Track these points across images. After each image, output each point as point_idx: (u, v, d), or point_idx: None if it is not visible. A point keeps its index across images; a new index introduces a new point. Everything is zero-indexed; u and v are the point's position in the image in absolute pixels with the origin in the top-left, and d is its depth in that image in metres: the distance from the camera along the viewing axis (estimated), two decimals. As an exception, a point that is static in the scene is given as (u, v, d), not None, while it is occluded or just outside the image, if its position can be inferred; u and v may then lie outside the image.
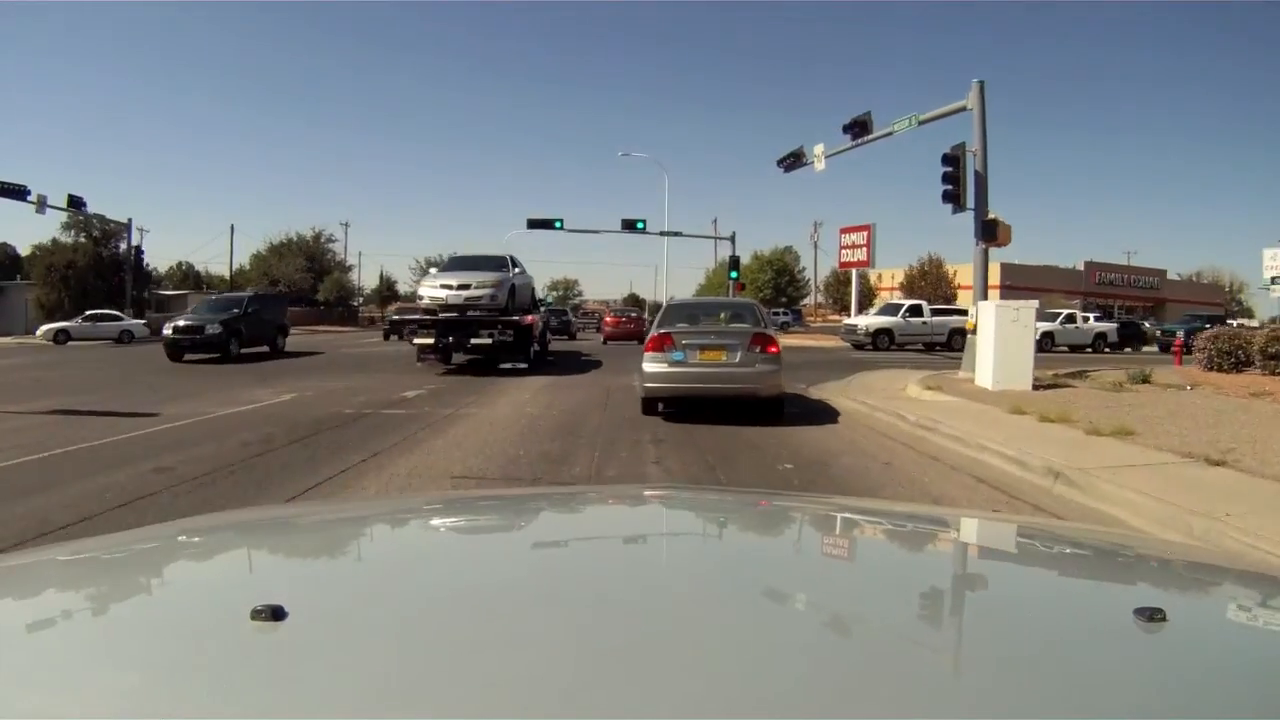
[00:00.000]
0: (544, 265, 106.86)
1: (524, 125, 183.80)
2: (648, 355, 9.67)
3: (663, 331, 9.72)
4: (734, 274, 39.74)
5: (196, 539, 1.40)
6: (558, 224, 39.68)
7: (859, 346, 29.98)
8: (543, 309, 24.60)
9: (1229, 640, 0.95)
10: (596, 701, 0.68)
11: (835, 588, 1.11)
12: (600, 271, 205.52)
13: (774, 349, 9.56)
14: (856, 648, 0.86)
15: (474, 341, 16.76)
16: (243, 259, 62.54)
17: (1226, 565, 1.53)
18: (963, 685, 0.77)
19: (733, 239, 41.14)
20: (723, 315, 10.76)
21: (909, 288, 46.43)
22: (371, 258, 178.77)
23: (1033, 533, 1.68)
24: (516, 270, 18.81)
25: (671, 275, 75.78)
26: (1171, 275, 62.47)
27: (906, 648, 0.85)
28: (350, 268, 69.49)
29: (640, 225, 39.78)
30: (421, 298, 17.76)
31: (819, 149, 22.67)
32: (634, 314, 40.33)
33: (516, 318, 17.29)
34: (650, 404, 9.84)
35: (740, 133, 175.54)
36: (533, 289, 21.54)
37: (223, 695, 0.70)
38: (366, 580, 1.14)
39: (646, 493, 2.33)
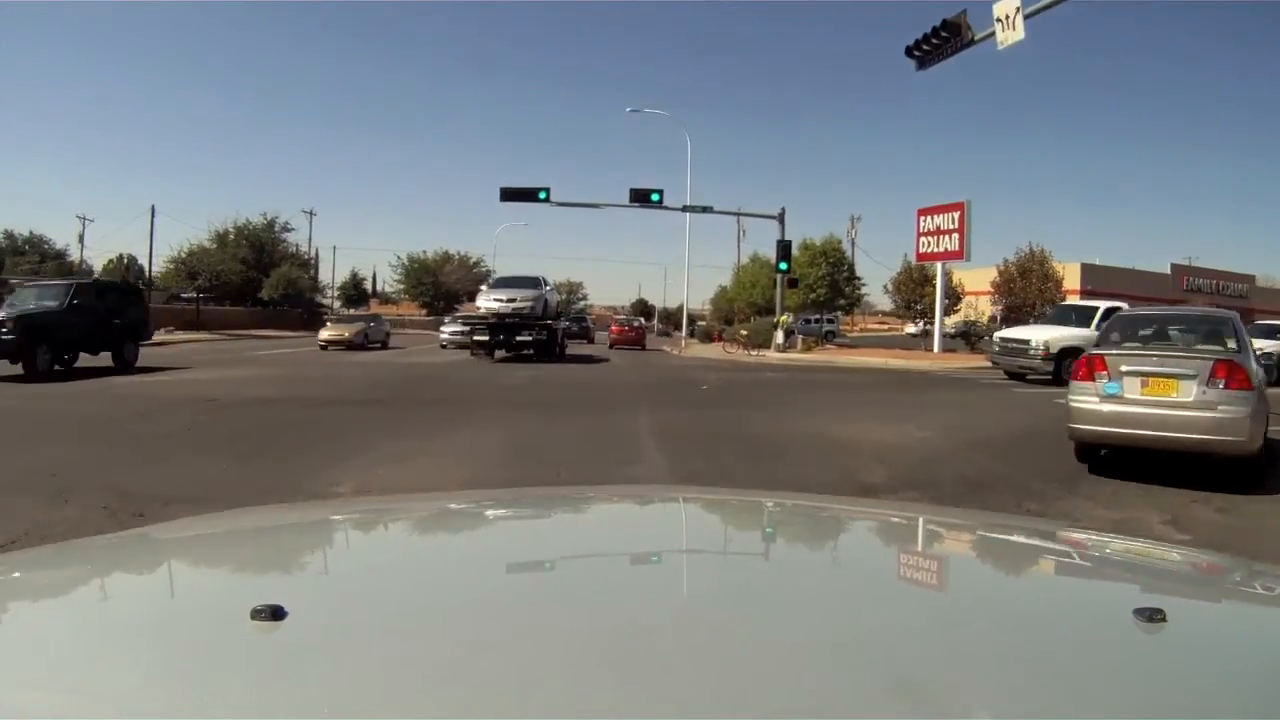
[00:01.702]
0: (544, 263, 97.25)
1: (519, 116, 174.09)
2: (1074, 385, 6.76)
3: (1096, 353, 6.74)
4: (783, 265, 29.09)
5: (197, 539, 1.40)
6: (541, 194, 29.53)
7: (1015, 375, 17.19)
8: (564, 318, 28.73)
9: (1229, 640, 0.94)
10: (598, 702, 0.68)
11: (836, 588, 1.10)
12: (607, 271, 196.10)
13: (1244, 384, 6.17)
14: (856, 648, 0.84)
15: (518, 339, 22.51)
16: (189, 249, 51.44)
17: (1226, 565, 1.49)
18: (963, 686, 0.75)
19: (781, 217, 30.32)
20: (1185, 332, 7.26)
21: (1004, 289, 35.32)
22: (358, 254, 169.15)
23: (1033, 533, 1.63)
24: (548, 287, 24.60)
25: (684, 278, 65.53)
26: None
27: (906, 648, 0.83)
28: (308, 261, 58.79)
29: (655, 197, 29.33)
30: (479, 307, 23.52)
31: (1007, 6, 12.00)
32: (637, 323, 39.57)
33: (549, 322, 23.65)
34: (1087, 451, 6.80)
35: (766, 121, 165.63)
36: (558, 301, 26.78)
37: (222, 695, 0.70)
38: (367, 580, 1.11)
39: (652, 493, 2.32)
